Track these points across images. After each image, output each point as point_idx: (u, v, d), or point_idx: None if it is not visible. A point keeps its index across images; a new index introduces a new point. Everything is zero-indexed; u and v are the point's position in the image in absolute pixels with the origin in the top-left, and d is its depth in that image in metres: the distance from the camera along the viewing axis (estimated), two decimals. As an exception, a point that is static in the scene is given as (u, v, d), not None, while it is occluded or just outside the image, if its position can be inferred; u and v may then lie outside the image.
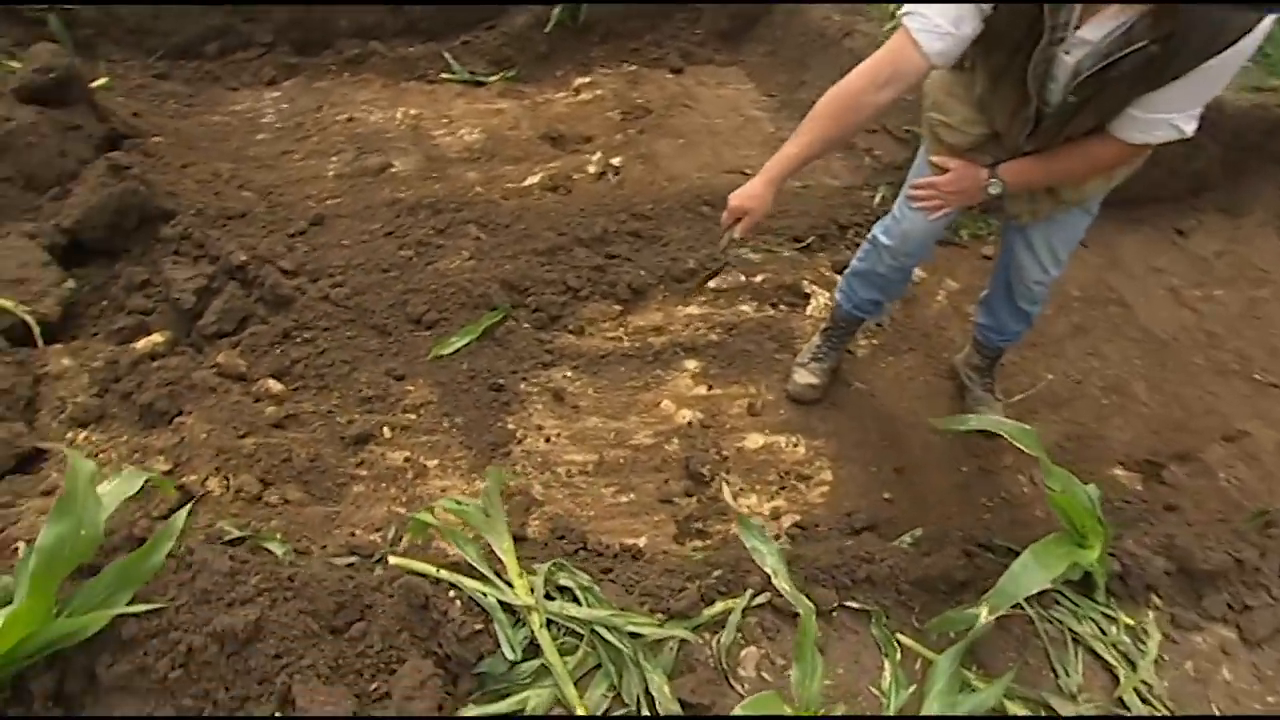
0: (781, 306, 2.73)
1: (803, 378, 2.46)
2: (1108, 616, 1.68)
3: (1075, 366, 2.77)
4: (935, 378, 2.63)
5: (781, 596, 1.58)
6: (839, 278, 2.85)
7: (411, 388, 2.41)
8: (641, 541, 2.11)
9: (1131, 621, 1.69)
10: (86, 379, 2.17)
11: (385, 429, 2.29)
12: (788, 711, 1.29)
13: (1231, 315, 3.01)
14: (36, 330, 2.20)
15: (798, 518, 2.16)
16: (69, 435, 2.08)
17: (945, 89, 1.91)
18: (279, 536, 1.88)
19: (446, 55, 3.82)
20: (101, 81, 3.20)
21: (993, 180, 1.84)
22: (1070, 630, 1.65)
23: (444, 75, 3.77)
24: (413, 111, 3.49)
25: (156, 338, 2.30)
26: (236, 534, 1.82)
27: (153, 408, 2.13)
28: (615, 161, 3.35)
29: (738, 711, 1.28)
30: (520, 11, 3.97)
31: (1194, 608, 1.73)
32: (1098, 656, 1.63)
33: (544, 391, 2.45)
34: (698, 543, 2.11)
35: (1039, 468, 2.42)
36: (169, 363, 2.23)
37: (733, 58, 4.04)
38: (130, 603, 1.44)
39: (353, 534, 2.00)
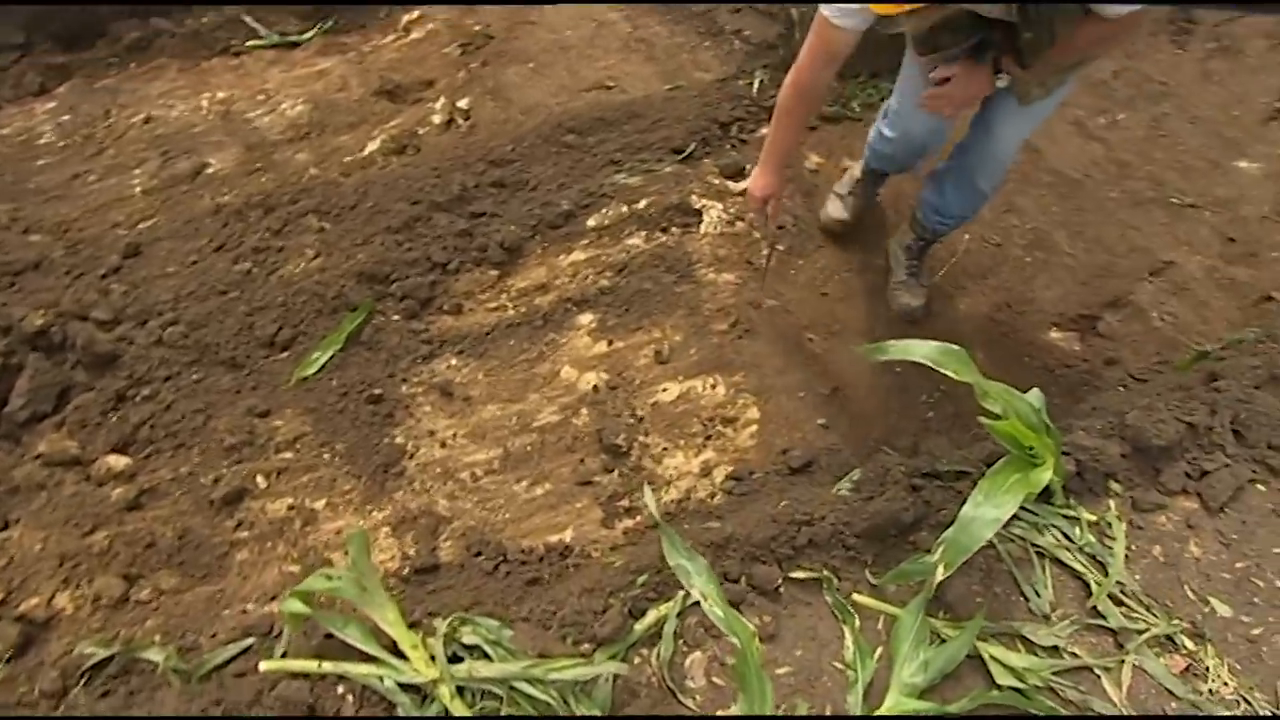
0: (673, 230, 2.47)
1: (835, 210, 2.43)
2: (1069, 518, 1.55)
3: (993, 228, 2.59)
4: (851, 273, 2.43)
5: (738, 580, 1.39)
6: (730, 184, 2.61)
7: (280, 422, 2.11)
8: (567, 536, 1.90)
9: (1094, 517, 1.56)
10: (-118, 511, 1.84)
11: (259, 478, 2.01)
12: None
13: (1138, 139, 2.84)
14: None
15: (731, 468, 1.98)
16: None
17: None
18: (156, 639, 1.64)
19: (247, 19, 3.31)
20: None
21: (1000, 75, 1.74)
22: (1034, 545, 1.51)
23: (250, 43, 3.27)
24: (221, 95, 3.02)
25: (-43, 439, 1.96)
26: (102, 654, 1.57)
27: (-30, 525, 1.81)
28: (462, 104, 2.97)
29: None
30: (321, -51, 3.45)
31: (1153, 485, 1.60)
32: (1066, 566, 1.50)
33: (429, 390, 2.18)
34: (628, 522, 1.92)
35: (981, 348, 2.28)
36: (-21, 466, 1.90)
37: (573, -46, 3.59)
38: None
39: (244, 611, 1.76)
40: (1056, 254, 2.52)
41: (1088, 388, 2.18)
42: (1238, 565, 1.54)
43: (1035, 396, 1.42)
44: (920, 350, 1.37)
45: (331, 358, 2.20)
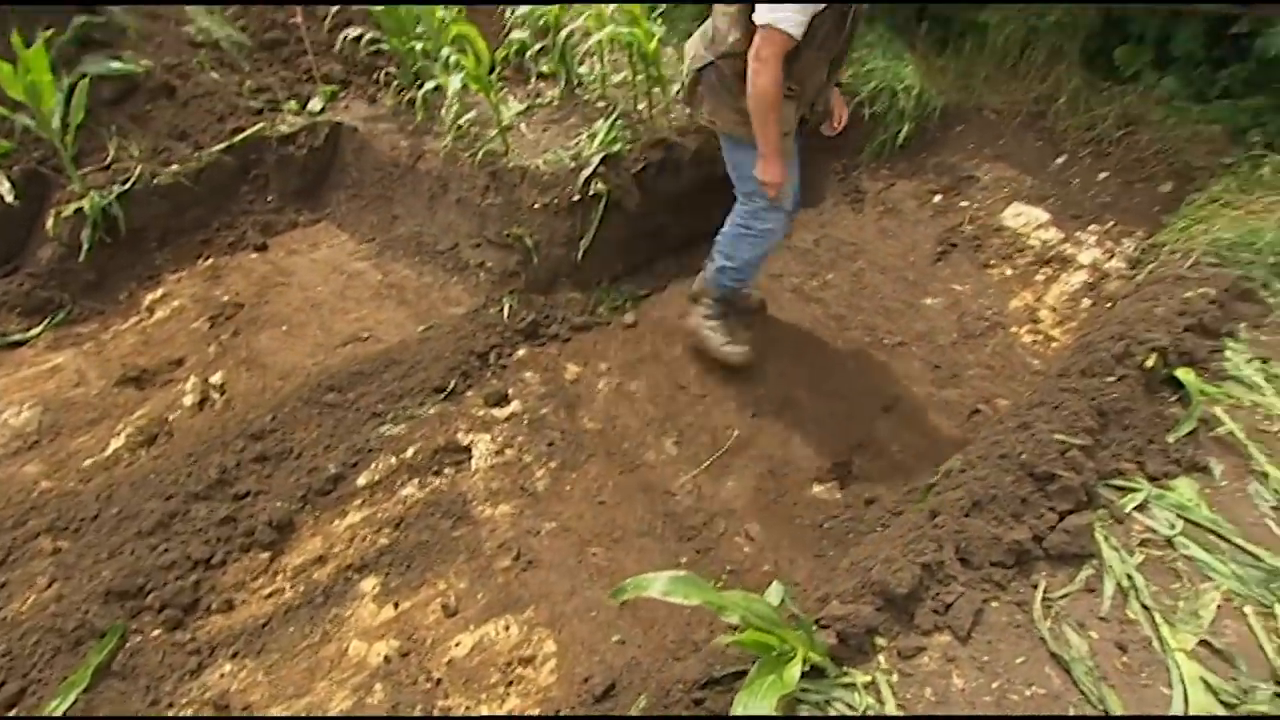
0: (445, 472, 2.49)
1: (737, 351, 2.83)
2: (846, 686, 1.63)
3: (745, 400, 2.83)
4: (624, 475, 2.53)
5: None
6: (495, 412, 2.69)
7: (13, 801, 1.81)
8: (375, 840, 1.73)
9: (868, 678, 1.65)
10: None
11: None
12: None
13: (846, 294, 3.29)
14: None
15: (537, 710, 1.92)
16: None
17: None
18: None
19: (-44, 328, 3.10)
20: None
21: None
22: (819, 728, 1.57)
23: (-34, 351, 3.06)
24: (-72, 417, 2.76)
25: None
26: None
27: None
28: (215, 379, 2.91)
29: None
30: (40, 243, 3.36)
31: (910, 630, 1.74)
32: (852, 738, 1.56)
33: (203, 707, 1.98)
34: (441, 805, 1.78)
35: (755, 520, 2.42)
36: None
37: (317, 214, 3.75)
38: None
39: None
40: (803, 412, 2.79)
41: (853, 534, 2.36)
42: (994, 685, 1.68)
43: (775, 592, 1.53)
44: (654, 585, 1.44)
45: (75, 702, 1.95)
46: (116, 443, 2.67)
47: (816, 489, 2.54)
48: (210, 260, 3.55)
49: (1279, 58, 2.89)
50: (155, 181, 3.54)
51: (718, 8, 2.40)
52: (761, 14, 2.18)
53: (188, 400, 2.83)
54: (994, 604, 1.81)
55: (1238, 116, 3.19)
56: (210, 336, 3.12)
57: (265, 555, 2.30)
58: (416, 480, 2.45)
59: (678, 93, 3.38)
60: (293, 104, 3.95)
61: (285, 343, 3.00)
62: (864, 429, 2.74)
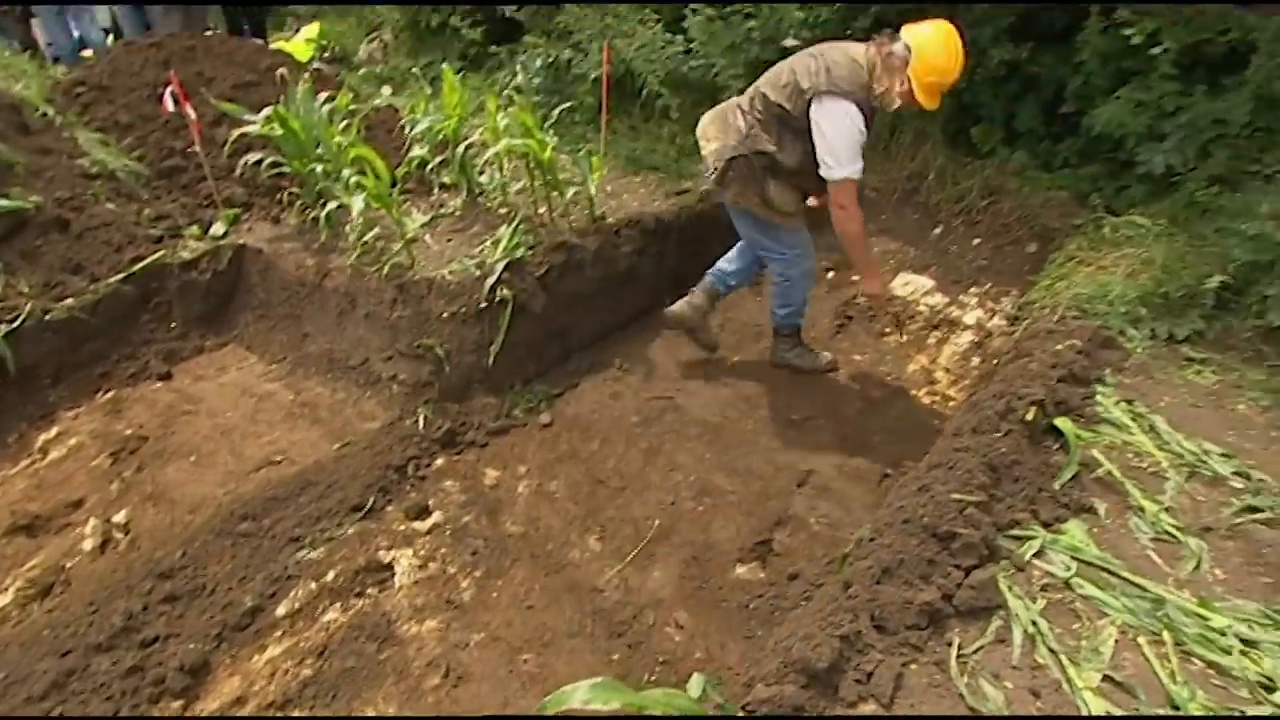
0: (368, 592, 2.43)
1: (824, 356, 3.52)
2: (776, 770, 1.65)
3: (665, 488, 2.88)
4: (550, 576, 2.53)
5: None
6: (416, 525, 2.66)
7: None
8: None
9: (797, 758, 1.68)
10: None
11: None
12: None
13: (753, 374, 3.43)
14: None
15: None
16: None
17: None
18: None
19: None
20: None
21: None
22: (752, 816, 1.57)
23: None
24: None
25: None
26: None
27: None
28: (119, 518, 2.79)
29: None
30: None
31: (835, 703, 1.77)
32: (787, 823, 1.57)
33: None
34: None
35: (682, 608, 2.44)
36: None
37: (224, 337, 3.71)
38: None
39: None
40: (721, 494, 2.86)
41: (778, 612, 2.41)
42: (925, 750, 1.73)
43: (695, 684, 1.56)
44: (574, 696, 1.45)
45: None
46: (3, 599, 2.51)
47: (740, 570, 2.59)
48: (111, 393, 3.44)
49: (1102, 134, 3.25)
50: (47, 317, 3.45)
51: (742, 108, 2.88)
52: (832, 171, 2.71)
53: (88, 544, 2.70)
54: (913, 666, 1.87)
55: (1079, 183, 3.55)
56: (112, 474, 3.00)
57: (178, 704, 2.18)
58: (339, 604, 2.39)
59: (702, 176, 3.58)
60: (194, 229, 3.94)
61: (194, 473, 2.92)
62: (781, 505, 2.82)
